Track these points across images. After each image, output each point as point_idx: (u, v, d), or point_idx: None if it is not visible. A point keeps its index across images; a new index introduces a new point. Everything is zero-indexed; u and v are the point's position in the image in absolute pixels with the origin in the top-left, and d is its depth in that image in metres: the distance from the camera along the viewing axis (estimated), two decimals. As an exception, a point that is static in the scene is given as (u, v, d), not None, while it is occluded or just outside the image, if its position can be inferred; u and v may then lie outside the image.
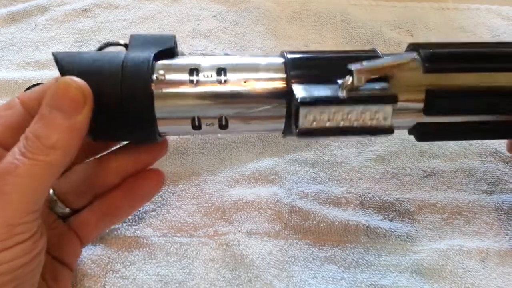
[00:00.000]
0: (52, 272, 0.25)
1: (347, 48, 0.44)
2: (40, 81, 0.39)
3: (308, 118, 0.22)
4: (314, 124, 0.22)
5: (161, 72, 0.24)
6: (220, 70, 0.24)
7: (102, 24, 0.45)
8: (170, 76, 0.24)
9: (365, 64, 0.23)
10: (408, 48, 0.27)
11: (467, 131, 0.27)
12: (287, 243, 0.31)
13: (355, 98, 0.22)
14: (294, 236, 0.31)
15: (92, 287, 0.28)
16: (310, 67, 0.25)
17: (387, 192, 0.34)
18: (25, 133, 0.22)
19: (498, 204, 0.33)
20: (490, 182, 0.35)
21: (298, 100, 0.22)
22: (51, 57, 0.41)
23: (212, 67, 0.24)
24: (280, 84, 0.24)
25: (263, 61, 0.25)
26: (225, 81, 0.24)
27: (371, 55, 0.25)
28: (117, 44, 0.26)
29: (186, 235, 0.31)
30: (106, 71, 0.23)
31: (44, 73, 0.40)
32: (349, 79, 0.22)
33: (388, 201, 0.33)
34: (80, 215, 0.28)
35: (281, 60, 0.25)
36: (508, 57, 0.26)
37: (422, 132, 0.27)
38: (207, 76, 0.24)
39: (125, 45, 0.26)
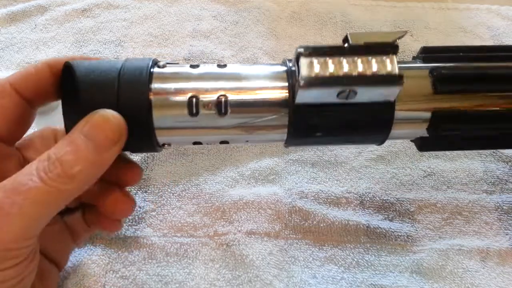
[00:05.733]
0: (39, 270, 0.24)
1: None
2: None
3: (310, 67, 0.21)
4: (318, 70, 0.21)
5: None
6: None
7: (102, 24, 0.45)
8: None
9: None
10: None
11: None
12: (287, 243, 0.31)
13: (357, 47, 0.22)
14: (294, 236, 0.31)
15: (92, 287, 0.28)
16: None
17: (387, 192, 0.34)
18: (49, 153, 0.21)
19: (498, 204, 0.33)
20: (490, 182, 0.35)
21: (300, 51, 0.21)
22: (51, 57, 0.42)
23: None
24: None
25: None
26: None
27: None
28: None
29: (186, 235, 0.31)
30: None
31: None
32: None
33: (388, 201, 0.33)
34: (75, 214, 0.27)
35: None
36: None
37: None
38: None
39: None
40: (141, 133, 0.23)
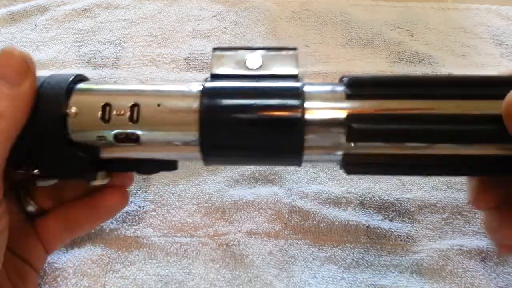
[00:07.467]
0: (18, 271, 0.25)
1: (347, 48, 0.44)
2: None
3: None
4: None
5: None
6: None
7: (102, 24, 0.45)
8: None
9: None
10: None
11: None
12: (287, 243, 0.31)
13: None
14: (294, 236, 0.31)
15: (92, 287, 0.28)
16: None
17: (387, 192, 0.34)
18: None
19: (498, 204, 0.33)
20: (490, 182, 0.35)
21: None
22: (51, 57, 0.42)
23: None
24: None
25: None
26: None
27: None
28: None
29: (186, 235, 0.31)
30: None
31: (44, 73, 0.40)
32: None
33: (388, 201, 0.33)
34: (45, 220, 0.27)
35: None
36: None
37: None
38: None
39: None
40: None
